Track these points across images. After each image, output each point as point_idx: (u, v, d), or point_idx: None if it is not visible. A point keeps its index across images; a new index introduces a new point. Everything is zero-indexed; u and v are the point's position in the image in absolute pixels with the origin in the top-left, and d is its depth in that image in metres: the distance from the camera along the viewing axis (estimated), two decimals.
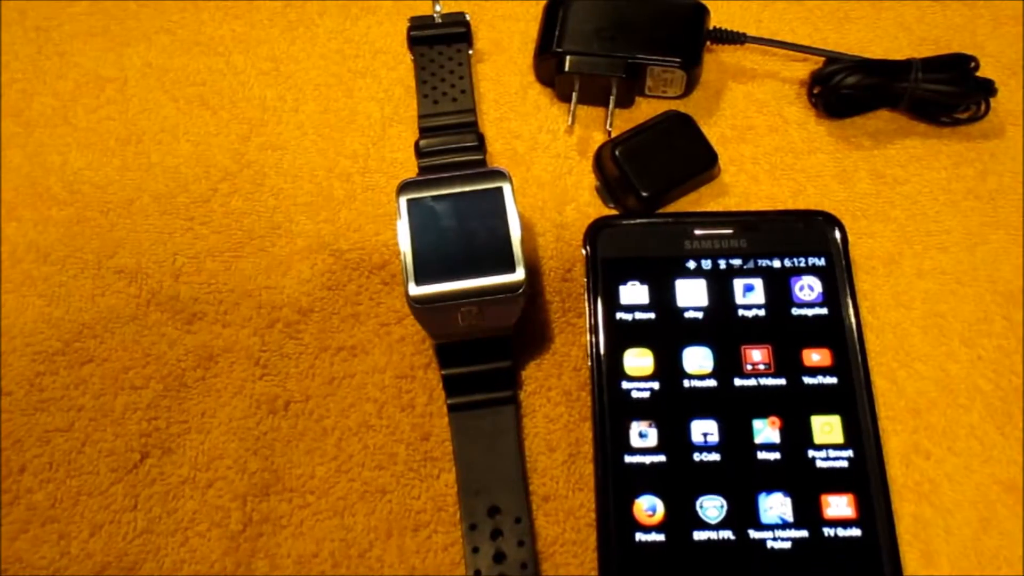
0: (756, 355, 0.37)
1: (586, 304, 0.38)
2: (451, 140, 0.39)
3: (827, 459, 0.35)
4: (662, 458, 0.35)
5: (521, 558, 0.34)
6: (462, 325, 0.35)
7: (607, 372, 0.37)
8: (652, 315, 0.38)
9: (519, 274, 0.34)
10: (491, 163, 0.43)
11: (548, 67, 0.44)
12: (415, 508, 0.36)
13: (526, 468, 0.36)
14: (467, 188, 0.35)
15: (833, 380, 0.36)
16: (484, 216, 0.35)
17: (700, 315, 0.38)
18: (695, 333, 0.37)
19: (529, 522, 0.35)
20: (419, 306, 0.34)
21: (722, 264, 0.39)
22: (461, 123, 0.41)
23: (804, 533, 0.34)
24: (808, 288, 0.38)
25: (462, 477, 0.36)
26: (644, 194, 0.41)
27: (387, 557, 0.35)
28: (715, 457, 0.35)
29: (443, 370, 0.37)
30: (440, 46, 0.43)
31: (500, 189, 0.35)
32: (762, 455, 0.35)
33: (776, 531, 0.34)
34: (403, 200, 0.35)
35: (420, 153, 0.39)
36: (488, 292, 0.34)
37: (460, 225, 0.35)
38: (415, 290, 0.33)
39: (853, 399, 0.36)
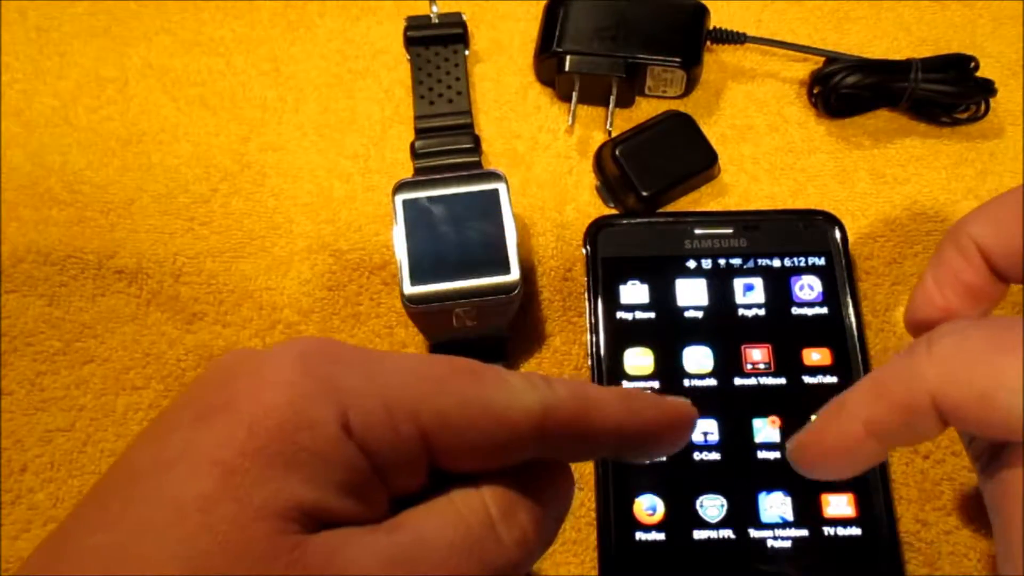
0: (756, 354, 0.37)
1: (586, 304, 0.38)
2: (447, 141, 0.39)
3: None
4: (662, 457, 0.35)
5: None
6: (457, 327, 0.35)
7: (607, 371, 0.37)
8: (652, 314, 0.38)
9: (514, 275, 0.34)
10: (491, 163, 0.43)
11: (548, 67, 0.44)
12: None
13: None
14: (463, 189, 0.35)
15: (833, 379, 0.36)
16: (480, 217, 0.35)
17: (700, 314, 0.38)
18: (695, 332, 0.37)
19: None
20: (413, 306, 0.33)
21: (722, 263, 0.39)
22: (457, 124, 0.40)
23: (804, 532, 0.34)
24: (808, 287, 0.38)
25: None
26: (644, 194, 0.41)
27: None
28: (715, 456, 0.35)
29: None
30: (436, 47, 0.43)
31: (496, 191, 0.35)
32: (762, 454, 0.35)
33: (776, 530, 0.34)
34: (399, 200, 0.35)
35: (416, 154, 0.39)
36: (483, 292, 0.34)
37: (456, 226, 0.35)
38: (410, 290, 0.33)
39: None
